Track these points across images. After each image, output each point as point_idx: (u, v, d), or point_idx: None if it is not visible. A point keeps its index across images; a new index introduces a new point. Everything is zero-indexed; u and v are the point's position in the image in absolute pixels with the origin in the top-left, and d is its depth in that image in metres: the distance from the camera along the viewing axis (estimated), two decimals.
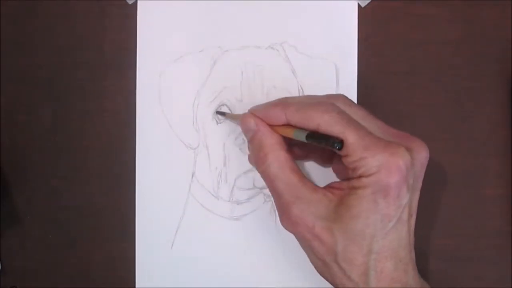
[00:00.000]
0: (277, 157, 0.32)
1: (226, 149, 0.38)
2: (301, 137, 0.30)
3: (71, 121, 0.39)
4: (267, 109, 0.33)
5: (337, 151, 0.29)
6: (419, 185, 0.31)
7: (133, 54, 0.39)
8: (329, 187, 0.32)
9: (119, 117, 0.39)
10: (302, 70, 0.39)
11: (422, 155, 0.30)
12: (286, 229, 0.32)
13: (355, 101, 0.38)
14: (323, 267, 0.31)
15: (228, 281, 0.39)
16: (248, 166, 0.38)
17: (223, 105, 0.38)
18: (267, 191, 0.38)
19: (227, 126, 0.39)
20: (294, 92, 0.39)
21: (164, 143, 0.39)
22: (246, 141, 0.38)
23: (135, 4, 0.39)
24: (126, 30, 0.39)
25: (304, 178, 0.31)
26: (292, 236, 0.38)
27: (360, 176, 0.29)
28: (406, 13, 0.39)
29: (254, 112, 0.33)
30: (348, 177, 0.30)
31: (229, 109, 0.38)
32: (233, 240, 0.39)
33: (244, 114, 0.34)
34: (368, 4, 0.39)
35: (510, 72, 0.39)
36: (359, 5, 0.39)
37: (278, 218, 0.39)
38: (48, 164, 0.39)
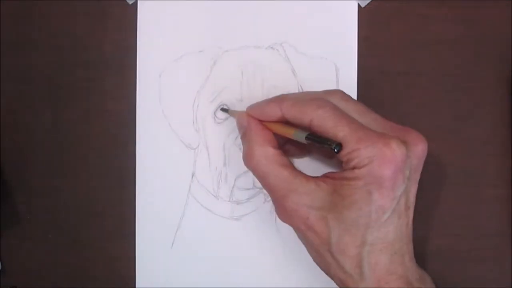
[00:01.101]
0: (265, 152, 0.32)
1: (226, 149, 0.38)
2: (301, 137, 0.30)
3: (71, 121, 0.39)
4: (263, 105, 0.33)
5: (335, 152, 0.29)
6: (416, 176, 0.31)
7: (133, 54, 0.39)
8: (323, 176, 0.32)
9: (119, 117, 0.39)
10: (302, 70, 0.39)
11: (419, 147, 0.30)
12: (283, 222, 0.32)
13: None
14: (318, 258, 0.31)
15: (228, 281, 0.39)
16: None
17: (223, 105, 0.38)
18: None
19: (227, 126, 0.39)
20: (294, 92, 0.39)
21: (164, 143, 0.39)
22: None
23: (135, 4, 0.39)
24: (126, 30, 0.39)
25: (295, 170, 0.31)
26: (292, 236, 0.38)
27: (353, 168, 0.29)
28: (406, 13, 0.39)
29: (251, 109, 0.34)
30: (342, 169, 0.30)
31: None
32: (233, 240, 0.39)
33: (239, 113, 0.35)
34: (368, 4, 0.39)
35: (510, 72, 0.39)
36: (359, 5, 0.39)
37: (278, 218, 0.39)
38: (49, 164, 0.40)
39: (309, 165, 0.38)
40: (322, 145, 0.29)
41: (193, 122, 0.39)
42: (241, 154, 0.38)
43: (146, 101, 0.39)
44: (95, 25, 0.39)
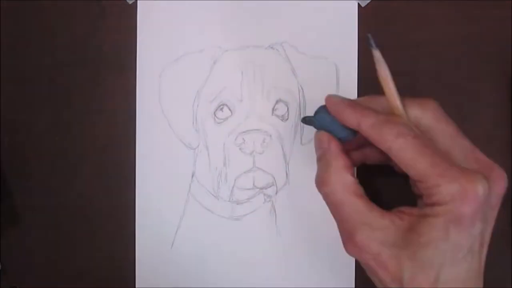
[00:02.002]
0: (343, 179, 0.31)
1: (226, 149, 0.38)
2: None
3: (71, 121, 0.39)
4: (344, 107, 0.31)
5: (412, 180, 0.29)
6: (494, 214, 0.30)
7: (133, 54, 0.39)
8: (398, 211, 0.30)
9: (119, 117, 0.39)
10: (302, 70, 0.39)
11: (500, 185, 0.29)
12: (350, 255, 0.30)
13: None
14: None
15: (228, 281, 0.39)
16: (248, 166, 0.38)
17: (223, 105, 0.38)
18: (267, 191, 0.38)
19: (227, 126, 0.39)
20: (294, 92, 0.39)
21: (164, 143, 0.39)
22: (245, 140, 0.38)
23: (135, 4, 0.39)
24: (126, 30, 0.39)
25: (370, 202, 0.30)
26: (292, 236, 0.38)
27: (433, 204, 0.28)
28: (406, 13, 0.39)
29: (330, 100, 0.32)
30: (422, 203, 0.29)
31: (229, 109, 0.38)
32: (233, 240, 0.39)
33: (321, 131, 0.33)
34: (368, 4, 0.39)
35: (510, 72, 0.39)
36: (359, 5, 0.39)
37: (278, 218, 0.39)
38: (48, 164, 0.39)
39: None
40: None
41: (193, 122, 0.39)
42: (241, 154, 0.38)
43: (146, 101, 0.39)
44: (95, 25, 0.39)
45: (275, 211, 0.39)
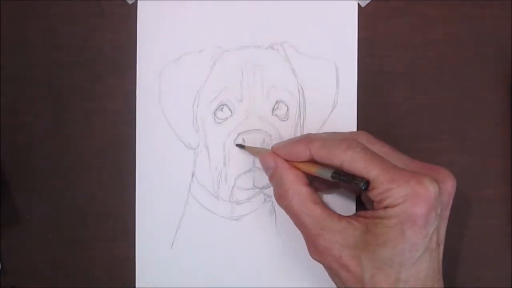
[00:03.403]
0: (298, 191, 0.32)
1: (226, 149, 0.38)
2: (326, 175, 0.31)
3: (71, 121, 0.39)
4: (290, 146, 0.33)
5: (362, 190, 0.30)
6: (446, 213, 0.31)
7: (133, 54, 0.39)
8: (354, 215, 0.32)
9: (119, 117, 0.39)
10: (302, 70, 0.39)
11: (449, 184, 0.31)
12: (315, 260, 0.32)
13: (355, 101, 0.38)
14: None
15: (228, 281, 0.39)
16: (248, 166, 0.38)
17: (223, 105, 0.38)
18: (267, 191, 0.39)
19: (227, 126, 0.39)
20: (294, 92, 0.39)
21: (164, 143, 0.39)
22: (245, 140, 0.38)
23: (135, 4, 0.39)
24: (126, 30, 0.39)
25: (328, 209, 0.32)
26: (292, 236, 0.38)
27: (386, 207, 0.29)
28: (406, 13, 0.39)
29: (277, 149, 0.34)
30: (374, 208, 0.30)
31: (229, 109, 0.38)
32: (233, 240, 0.39)
33: (264, 153, 0.35)
34: (368, 4, 0.39)
35: (510, 72, 0.39)
36: (359, 5, 0.39)
37: (278, 218, 0.39)
38: (48, 164, 0.39)
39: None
40: (349, 183, 0.30)
41: (193, 122, 0.39)
42: (241, 154, 0.38)
43: (146, 101, 0.39)
44: (95, 25, 0.39)
45: (275, 211, 0.39)
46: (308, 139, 0.33)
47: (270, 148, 0.35)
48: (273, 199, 0.38)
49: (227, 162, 0.38)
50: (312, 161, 0.32)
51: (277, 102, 0.39)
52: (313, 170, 0.32)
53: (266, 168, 0.35)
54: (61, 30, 0.39)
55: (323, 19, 0.39)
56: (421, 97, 0.39)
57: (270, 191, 0.38)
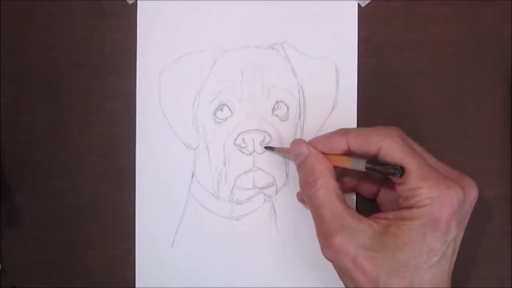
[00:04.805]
0: (327, 183, 0.32)
1: (226, 149, 0.38)
2: (360, 165, 0.30)
3: (71, 121, 0.39)
4: (327, 138, 0.33)
5: (396, 178, 0.29)
6: (465, 222, 0.31)
7: (133, 54, 0.39)
8: (374, 217, 0.31)
9: (119, 117, 0.39)
10: (302, 70, 0.39)
11: (472, 194, 0.31)
12: (326, 257, 0.31)
13: (355, 101, 0.38)
14: None
15: (228, 281, 0.39)
16: (248, 166, 0.38)
17: (223, 105, 0.38)
18: (267, 191, 0.39)
19: (227, 126, 0.39)
20: (294, 92, 0.39)
21: (164, 143, 0.39)
22: (245, 140, 0.38)
23: (135, 4, 0.39)
24: (126, 30, 0.39)
25: (350, 207, 0.31)
26: (292, 236, 0.38)
27: (412, 207, 0.29)
28: (406, 13, 0.39)
29: (315, 143, 0.34)
30: (398, 207, 0.30)
31: (229, 109, 0.38)
32: (233, 240, 0.39)
33: (297, 139, 0.34)
34: (368, 4, 0.39)
35: (510, 72, 0.39)
36: (359, 5, 0.39)
37: (278, 218, 0.39)
38: (48, 164, 0.40)
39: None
40: (383, 171, 0.29)
41: (193, 122, 0.39)
42: (241, 154, 0.38)
43: (146, 101, 0.39)
44: (95, 25, 0.39)
45: (275, 211, 0.39)
46: (344, 131, 0.32)
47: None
48: (273, 199, 0.39)
49: (227, 162, 0.38)
50: (345, 155, 0.32)
51: (277, 102, 0.39)
52: (347, 162, 0.31)
53: (296, 155, 0.34)
54: (61, 30, 0.39)
55: (323, 19, 0.39)
56: (421, 97, 0.39)
57: (270, 191, 0.38)
